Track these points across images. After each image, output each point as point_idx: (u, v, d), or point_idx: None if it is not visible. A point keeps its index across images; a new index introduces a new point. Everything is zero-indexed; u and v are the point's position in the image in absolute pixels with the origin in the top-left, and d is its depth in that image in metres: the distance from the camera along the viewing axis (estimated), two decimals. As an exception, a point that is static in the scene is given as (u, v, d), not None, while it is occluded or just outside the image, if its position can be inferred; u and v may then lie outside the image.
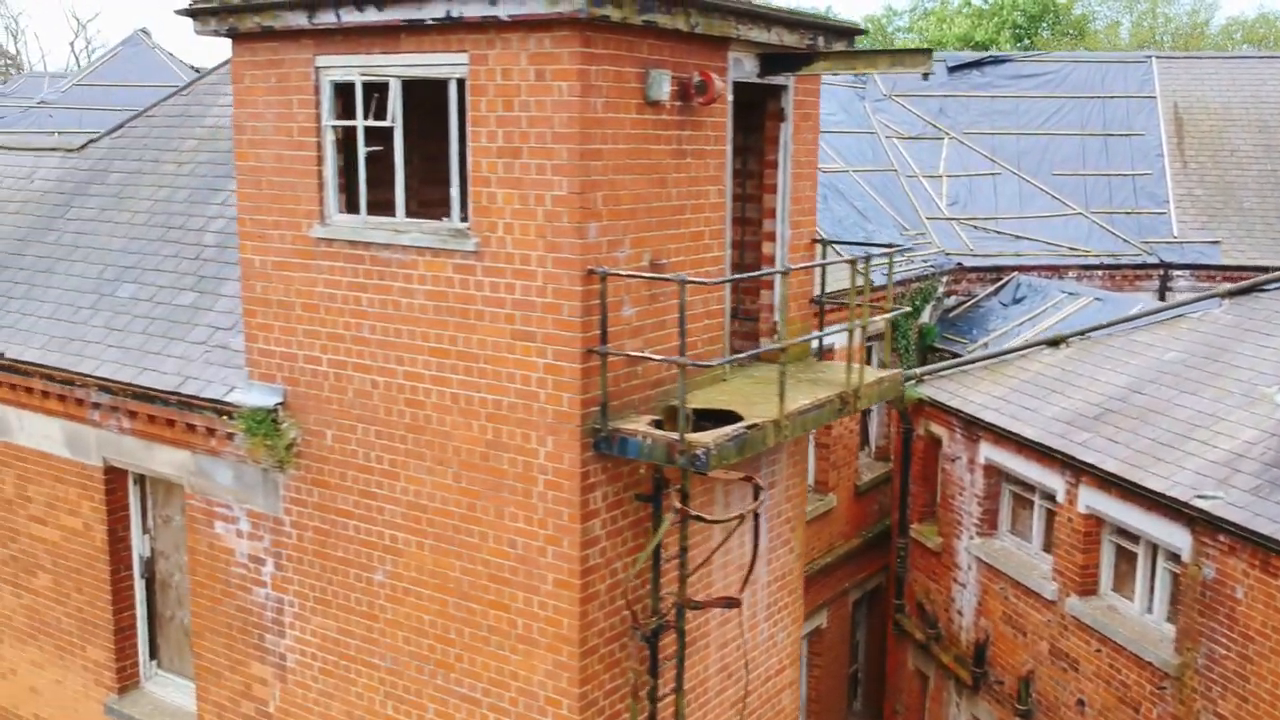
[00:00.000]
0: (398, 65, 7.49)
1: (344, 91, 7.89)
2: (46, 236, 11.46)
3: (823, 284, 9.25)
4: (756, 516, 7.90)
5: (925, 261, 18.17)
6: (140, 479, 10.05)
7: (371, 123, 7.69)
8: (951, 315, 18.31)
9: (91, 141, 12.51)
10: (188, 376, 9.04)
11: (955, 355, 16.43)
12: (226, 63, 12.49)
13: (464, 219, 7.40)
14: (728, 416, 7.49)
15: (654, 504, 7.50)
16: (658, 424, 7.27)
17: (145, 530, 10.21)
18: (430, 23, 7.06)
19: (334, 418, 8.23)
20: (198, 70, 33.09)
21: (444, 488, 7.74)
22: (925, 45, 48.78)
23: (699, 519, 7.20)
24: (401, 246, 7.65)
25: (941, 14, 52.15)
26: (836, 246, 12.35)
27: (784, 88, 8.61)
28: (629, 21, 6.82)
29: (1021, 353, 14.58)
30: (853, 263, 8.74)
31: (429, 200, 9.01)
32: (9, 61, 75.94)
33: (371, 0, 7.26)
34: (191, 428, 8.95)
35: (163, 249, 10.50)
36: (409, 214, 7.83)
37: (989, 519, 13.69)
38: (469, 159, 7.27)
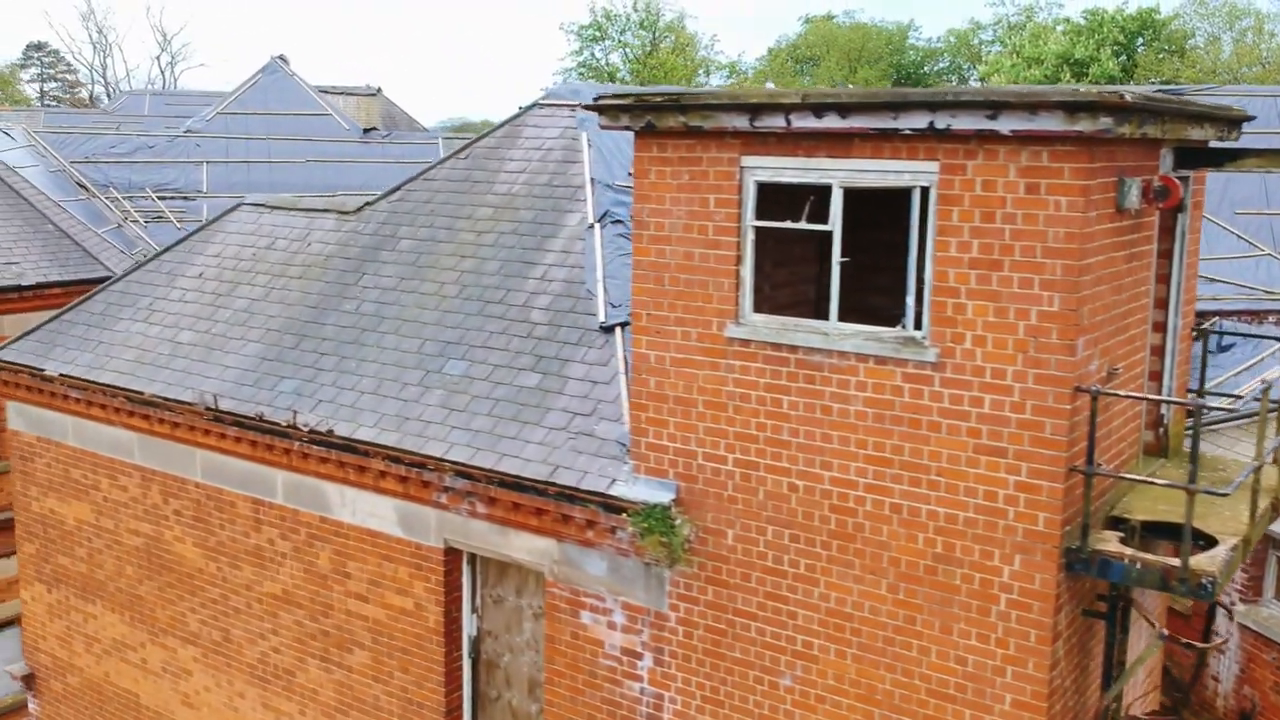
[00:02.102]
0: (845, 171, 7.33)
1: (769, 192, 7.74)
2: (343, 305, 11.39)
3: (1203, 377, 9.02)
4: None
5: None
6: (472, 558, 9.95)
7: (805, 226, 7.54)
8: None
9: (368, 204, 12.45)
10: (558, 466, 8.91)
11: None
12: (505, 124, 12.45)
13: (918, 327, 7.23)
14: (1166, 528, 7.29)
15: (1108, 621, 7.30)
16: (1122, 540, 7.07)
17: (474, 610, 10.11)
18: (908, 133, 6.89)
19: (738, 517, 8.08)
20: (326, 91, 33.20)
21: (875, 597, 7.57)
22: (1024, 59, 48.28)
23: (1190, 646, 6.99)
24: (837, 352, 7.48)
25: (1036, 29, 51.61)
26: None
27: (1186, 178, 8.39)
28: (1125, 135, 6.63)
29: None
30: None
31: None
32: (97, 76, 76.67)
33: (833, 108, 7.09)
34: (566, 518, 8.82)
35: (486, 324, 10.40)
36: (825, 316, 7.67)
37: (1254, 585, 13.40)
38: (928, 268, 7.10)
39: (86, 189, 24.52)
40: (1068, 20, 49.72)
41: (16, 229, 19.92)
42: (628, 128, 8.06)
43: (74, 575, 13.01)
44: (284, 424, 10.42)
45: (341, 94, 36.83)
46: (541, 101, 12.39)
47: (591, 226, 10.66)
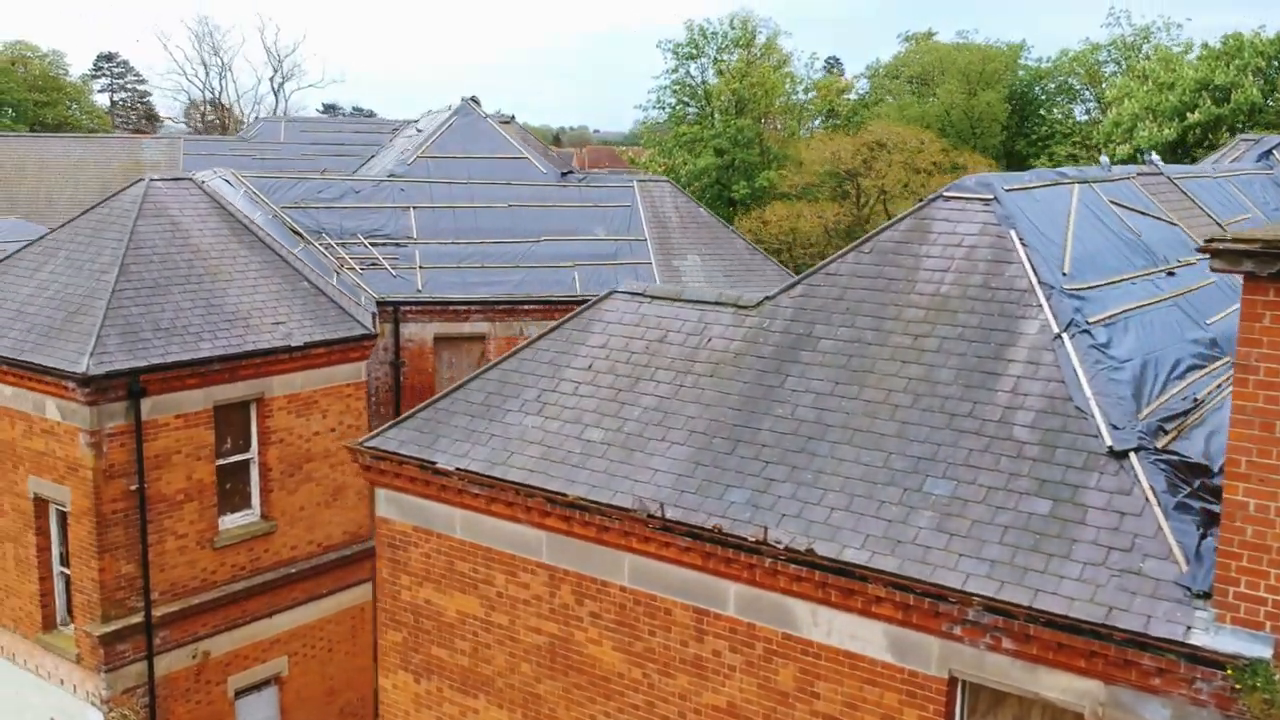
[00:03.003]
0: None
1: None
2: (773, 409, 11.19)
3: None
4: None
5: None
6: (965, 685, 9.71)
7: None
8: None
9: (767, 299, 12.26)
10: (1111, 607, 8.65)
11: None
12: (906, 217, 12.21)
13: None
14: None
15: None
16: None
17: (959, 736, 9.87)
18: None
19: (1352, 676, 7.78)
20: (511, 120, 33.12)
21: None
22: (1157, 85, 47.51)
23: None
24: None
25: (1165, 53, 50.84)
26: None
27: None
28: None
29: None
30: None
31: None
32: (212, 101, 77.44)
33: None
34: (1126, 663, 8.56)
35: (960, 440, 10.16)
36: None
37: None
38: None
39: (302, 237, 24.57)
40: (1205, 45, 48.86)
41: (276, 286, 19.99)
42: (1250, 273, 7.79)
43: (451, 668, 12.89)
44: (751, 539, 10.22)
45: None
46: (946, 194, 12.15)
47: (1058, 337, 10.41)
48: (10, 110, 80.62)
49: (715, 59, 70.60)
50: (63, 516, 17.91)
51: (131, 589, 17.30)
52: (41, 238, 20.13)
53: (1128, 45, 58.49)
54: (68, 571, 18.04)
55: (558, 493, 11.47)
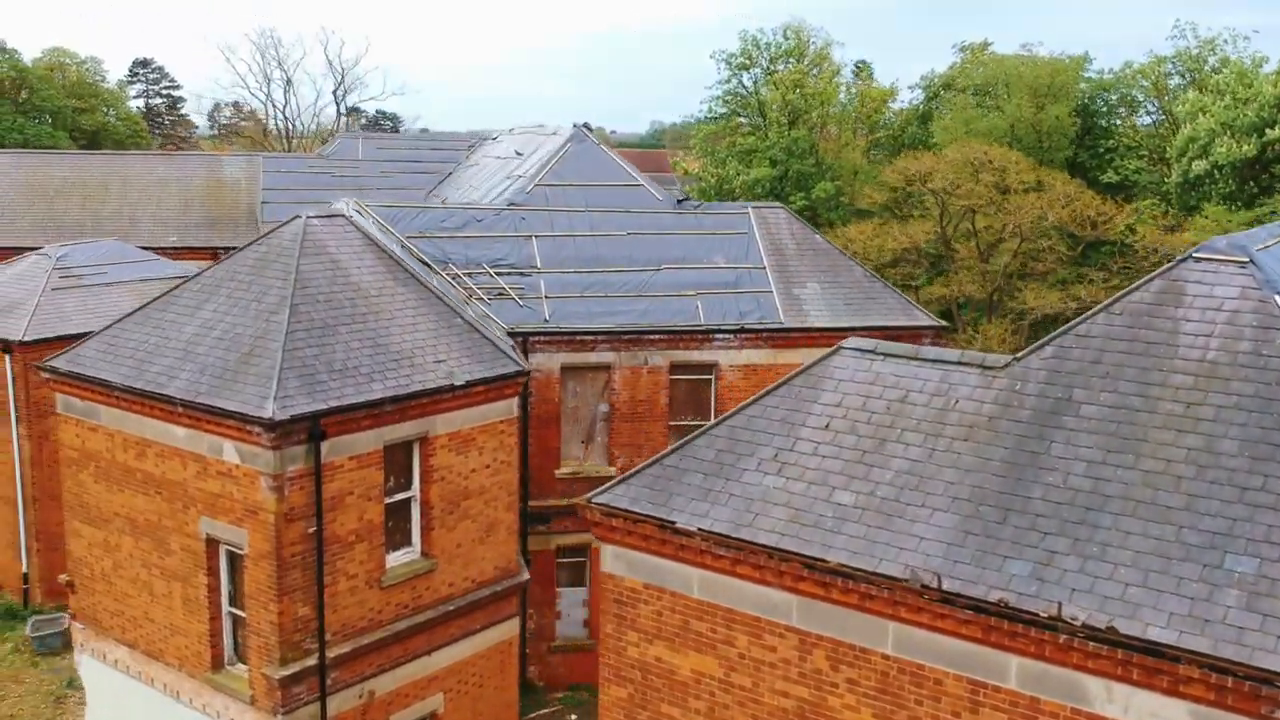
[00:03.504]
0: None
1: None
2: (1042, 476, 11.09)
3: None
4: None
5: None
6: (1273, 767, 9.61)
7: None
8: None
9: (1015, 360, 12.18)
10: None
11: None
12: (1155, 278, 12.10)
13: None
14: None
15: None
16: None
17: (1264, 817, 9.77)
18: None
19: None
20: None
21: None
22: (1235, 100, 47.14)
23: None
24: None
25: (1239, 68, 50.44)
26: None
27: None
28: None
29: None
30: None
31: None
32: (235, 103, 77.79)
33: None
34: None
35: (1257, 515, 10.04)
36: None
37: None
38: None
39: (431, 268, 24.59)
40: (1284, 60, 48.53)
41: (433, 324, 20.00)
42: None
43: (683, 726, 12.86)
44: (1043, 615, 10.14)
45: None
46: (1196, 256, 12.04)
47: (1350, 410, 10.30)
48: (49, 117, 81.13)
49: (768, 69, 70.60)
50: (232, 557, 17.94)
51: (307, 631, 17.32)
52: (198, 274, 20.16)
53: (1193, 58, 58.10)
54: (236, 611, 18.07)
55: (816, 559, 11.41)
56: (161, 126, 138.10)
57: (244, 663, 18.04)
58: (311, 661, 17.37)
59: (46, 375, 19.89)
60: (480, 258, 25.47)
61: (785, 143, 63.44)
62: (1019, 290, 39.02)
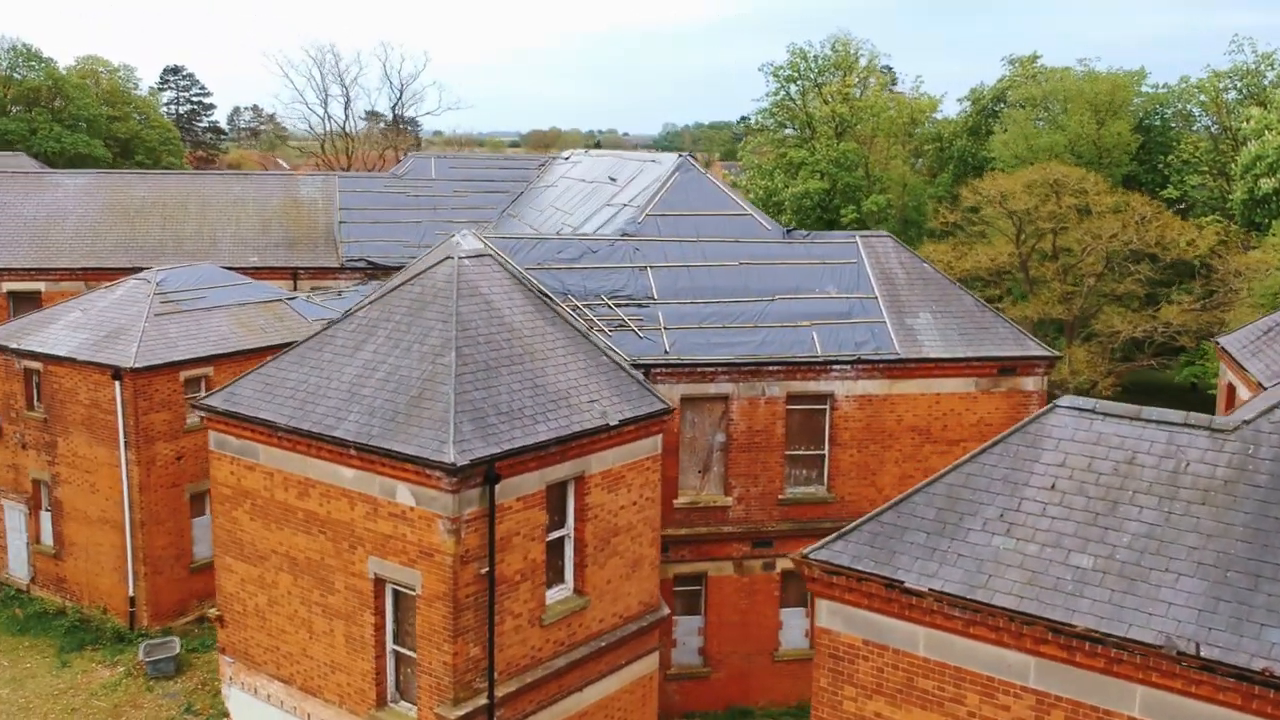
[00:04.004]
0: None
1: None
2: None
3: None
4: None
5: None
6: None
7: None
8: None
9: (1244, 423, 12.35)
10: None
11: None
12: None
13: None
14: None
15: None
16: None
17: None
18: None
19: None
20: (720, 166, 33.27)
21: None
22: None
23: None
24: None
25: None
26: None
27: None
28: None
29: None
30: None
31: None
32: (253, 106, 77.89)
33: None
34: None
35: None
36: None
37: None
38: None
39: (551, 301, 24.79)
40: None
41: (582, 363, 20.25)
42: None
43: (904, 780, 13.05)
44: (1313, 685, 10.33)
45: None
46: None
47: None
48: (84, 124, 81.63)
49: (816, 82, 70.82)
50: (397, 596, 18.19)
51: (477, 671, 17.55)
52: (349, 314, 20.39)
53: (1252, 72, 58.12)
54: (399, 649, 18.32)
55: (1063, 623, 11.59)
56: (192, 134, 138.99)
57: (408, 701, 18.29)
58: (482, 701, 17.61)
59: (202, 414, 20.15)
60: (598, 289, 25.68)
61: (834, 155, 63.64)
62: (1102, 313, 39.13)
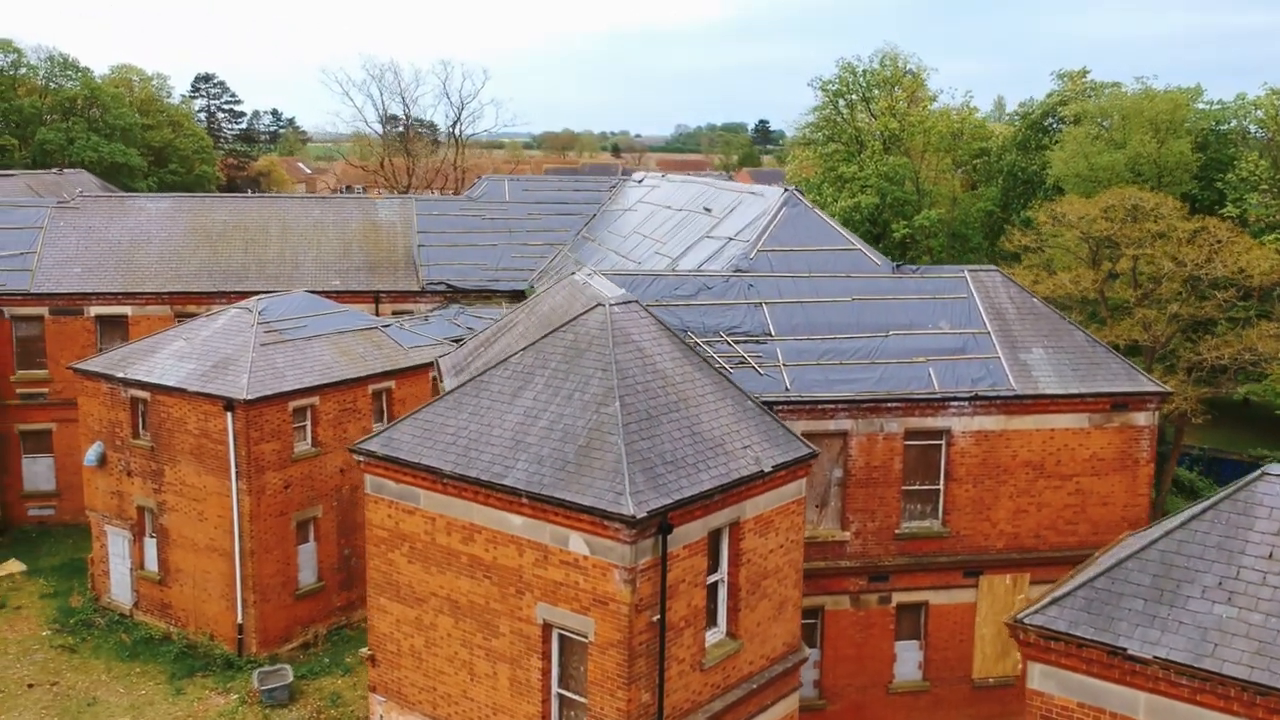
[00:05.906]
0: None
1: None
2: None
3: None
4: None
5: None
6: None
7: None
8: None
9: None
10: None
11: None
12: None
13: None
14: None
15: None
16: None
17: None
18: None
19: None
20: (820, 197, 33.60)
21: None
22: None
23: None
24: None
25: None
26: None
27: None
28: None
29: None
30: None
31: None
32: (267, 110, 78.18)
33: None
34: None
35: None
36: None
37: None
38: None
39: (694, 345, 25.13)
40: None
41: (731, 408, 20.54)
42: None
43: (1120, 840, 13.35)
44: None
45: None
46: None
47: None
48: (119, 133, 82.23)
49: (865, 96, 71.18)
50: (564, 641, 18.53)
51: (647, 716, 17.89)
52: (503, 361, 20.72)
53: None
54: (565, 694, 18.68)
55: (1299, 694, 11.89)
56: (224, 141, 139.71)
57: (574, 744, 18.63)
58: (651, 746, 17.94)
59: (360, 459, 20.53)
60: (716, 325, 26.03)
61: (884, 169, 63.90)
62: (1190, 340, 39.30)
